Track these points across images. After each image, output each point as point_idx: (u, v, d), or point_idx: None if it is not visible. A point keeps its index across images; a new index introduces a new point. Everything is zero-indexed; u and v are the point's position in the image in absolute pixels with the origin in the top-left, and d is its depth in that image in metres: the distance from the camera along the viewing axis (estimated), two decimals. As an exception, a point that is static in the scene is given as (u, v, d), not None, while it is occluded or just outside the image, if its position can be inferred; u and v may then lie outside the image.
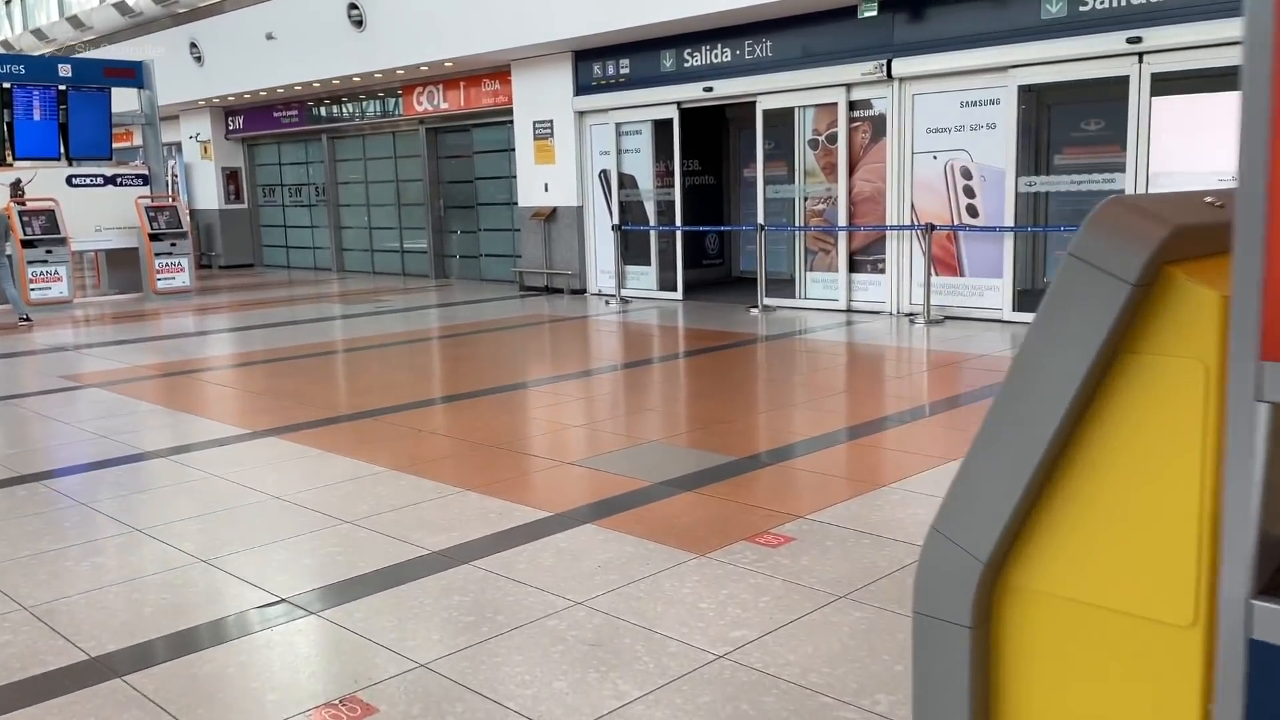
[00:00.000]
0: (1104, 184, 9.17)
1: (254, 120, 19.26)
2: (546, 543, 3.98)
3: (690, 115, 12.59)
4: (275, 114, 18.68)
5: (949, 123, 9.88)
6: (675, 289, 12.68)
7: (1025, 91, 9.40)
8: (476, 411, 6.50)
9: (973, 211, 9.83)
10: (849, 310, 10.88)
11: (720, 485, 4.68)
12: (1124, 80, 8.75)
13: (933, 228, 9.84)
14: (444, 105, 15.58)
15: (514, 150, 14.32)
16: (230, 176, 20.06)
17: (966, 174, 9.83)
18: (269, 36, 16.05)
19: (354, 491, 4.73)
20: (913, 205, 10.26)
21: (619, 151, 13.04)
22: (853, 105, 10.61)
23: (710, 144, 14.97)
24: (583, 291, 13.68)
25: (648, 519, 4.23)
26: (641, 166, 12.90)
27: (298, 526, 4.27)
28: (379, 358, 8.90)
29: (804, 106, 11.07)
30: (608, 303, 12.55)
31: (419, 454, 5.44)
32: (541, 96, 13.59)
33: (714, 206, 15.19)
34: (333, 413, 6.55)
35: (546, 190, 13.79)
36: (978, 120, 9.68)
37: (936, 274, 10.08)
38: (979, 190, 9.77)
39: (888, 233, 10.46)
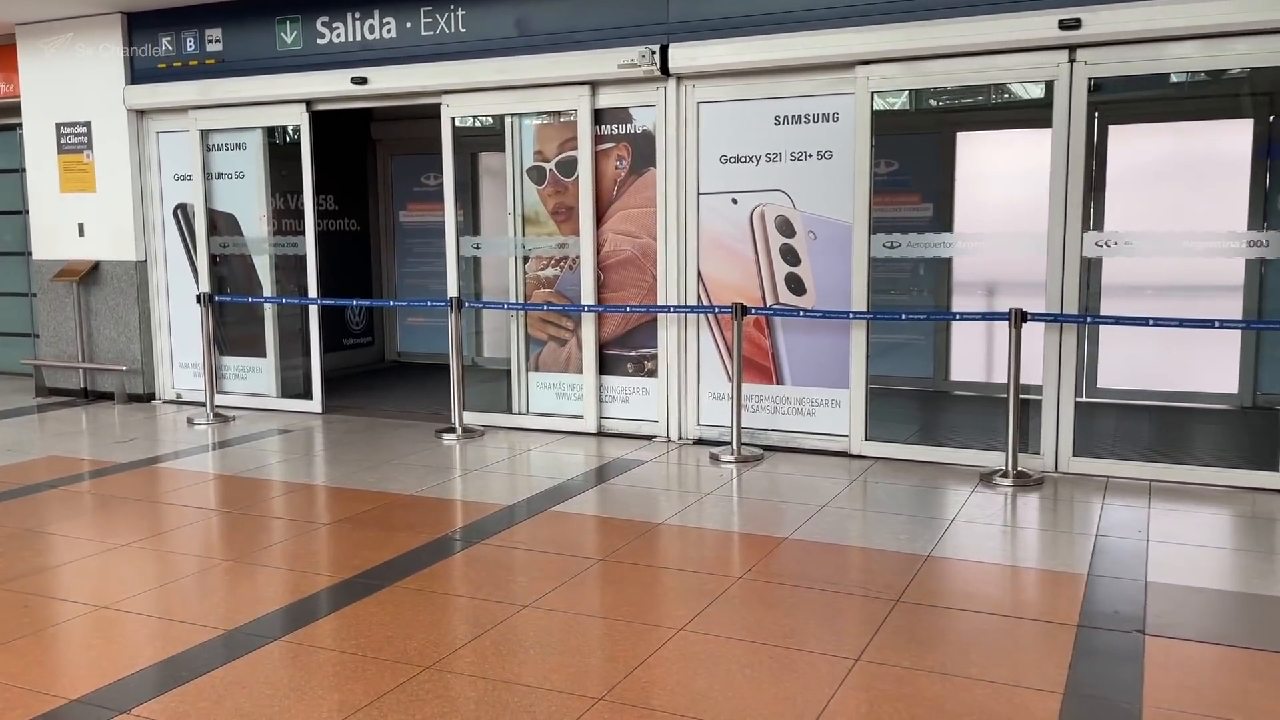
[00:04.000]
0: (1028, 251, 6.06)
1: None
2: None
3: (324, 127, 8.08)
4: None
5: (758, 148, 6.37)
6: (309, 395, 8.01)
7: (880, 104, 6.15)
8: None
9: (796, 286, 6.36)
10: (601, 434, 6.96)
11: None
12: (1045, 91, 5.74)
13: (744, 311, 6.22)
14: (-98, 94, 9.63)
15: (24, 170, 8.85)
16: None
17: (786, 228, 6.36)
18: None
19: None
20: (699, 274, 6.61)
21: (208, 176, 8.17)
22: (602, 116, 6.78)
23: (350, 172, 10.49)
24: (150, 398, 8.52)
25: None
26: (247, 201, 8.13)
27: None
28: None
29: (521, 115, 7.06)
30: (192, 423, 7.59)
31: None
32: (71, 85, 8.36)
33: (359, 264, 10.68)
34: None
35: (82, 234, 8.51)
36: (804, 145, 6.25)
37: (730, 380, 6.49)
38: (806, 253, 6.32)
39: (662, 315, 6.71)
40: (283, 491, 5.62)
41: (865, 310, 6.09)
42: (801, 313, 6.16)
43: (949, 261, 8.11)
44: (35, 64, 8.48)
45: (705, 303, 6.59)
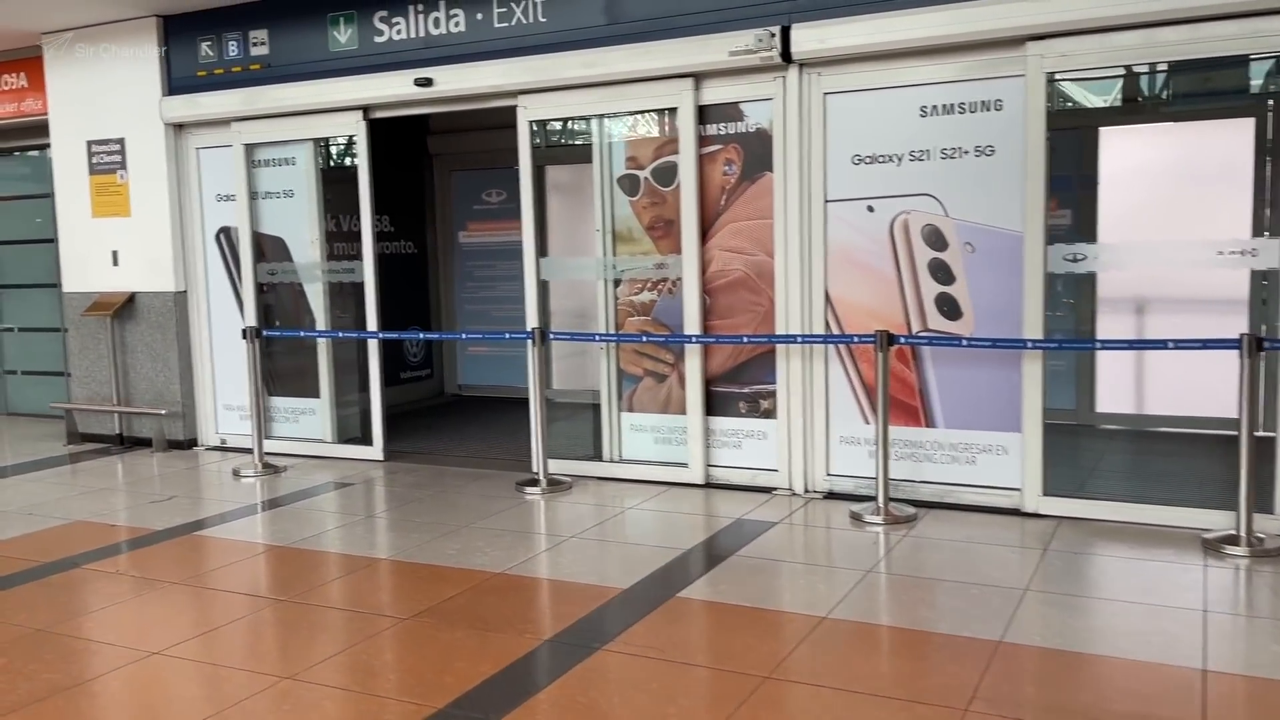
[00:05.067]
0: (1243, 258, 4.94)
1: None
2: None
3: (377, 141, 7.19)
4: None
5: (899, 145, 5.34)
6: (368, 439, 7.08)
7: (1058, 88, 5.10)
8: None
9: (949, 309, 5.32)
10: (709, 485, 5.94)
11: None
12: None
13: (891, 340, 5.18)
14: (-73, 115, 8.90)
15: (54, 195, 8.04)
16: None
17: (936, 239, 5.31)
18: None
19: None
20: (827, 296, 5.58)
21: (254, 196, 7.31)
22: (707, 113, 5.79)
23: (406, 190, 9.63)
24: (191, 444, 7.65)
25: None
26: (297, 223, 7.24)
27: None
28: None
29: (610, 116, 6.10)
30: (239, 475, 6.69)
31: None
32: (103, 99, 7.54)
33: (417, 290, 9.80)
34: None
35: (116, 263, 7.68)
36: (958, 140, 5.21)
37: (866, 421, 5.45)
38: (961, 269, 5.28)
39: (781, 346, 5.69)
40: (347, 570, 4.65)
41: (1044, 338, 5.02)
42: (965, 341, 5.10)
43: (1092, 276, 7.03)
44: (64, 77, 7.68)
45: (834, 329, 5.56)
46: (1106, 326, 7.14)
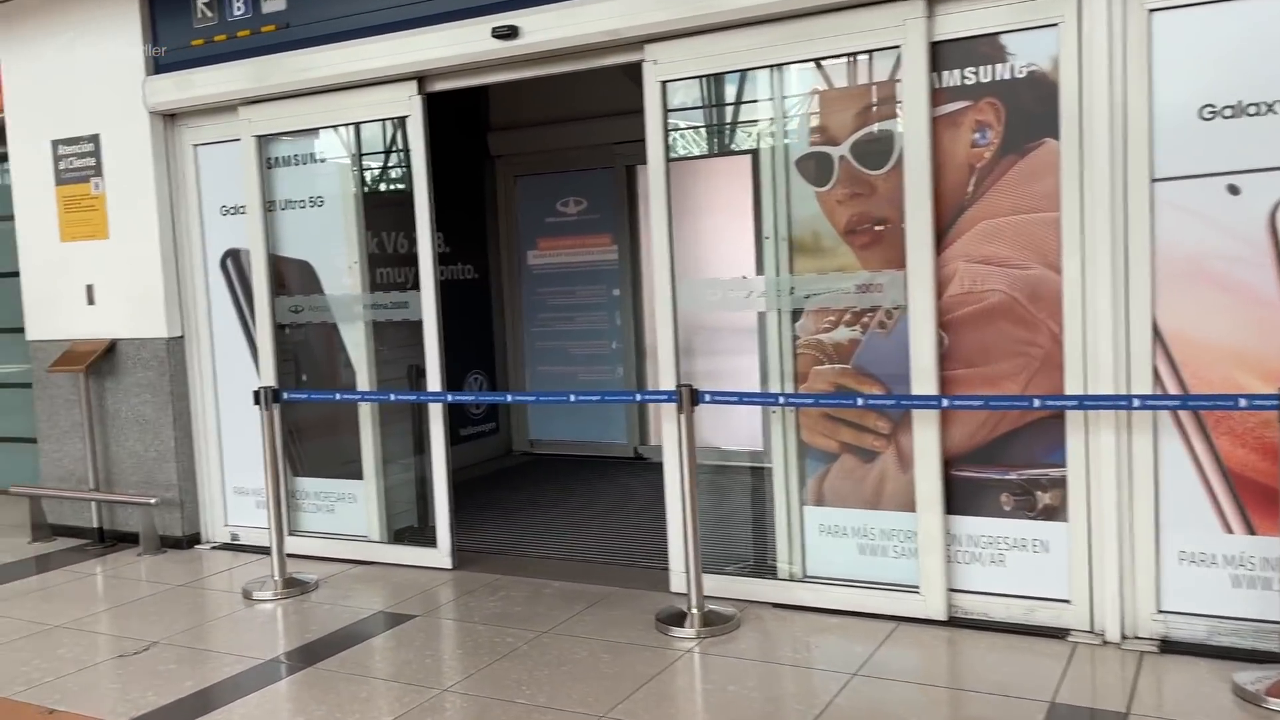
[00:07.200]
0: None
1: None
2: None
3: (430, 133, 5.27)
4: None
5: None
6: (430, 538, 5.10)
7: None
8: None
9: (1374, 346, 3.25)
10: (953, 621, 3.89)
11: None
12: None
13: (1308, 404, 3.12)
14: None
15: (12, 218, 6.17)
16: None
17: (1351, 236, 3.26)
18: None
19: None
20: (1156, 330, 3.53)
21: (271, 208, 5.40)
22: (944, 55, 3.79)
23: (463, 201, 7.73)
24: (193, 542, 5.72)
25: None
26: (328, 242, 5.31)
27: None
28: None
29: (784, 66, 4.10)
30: (250, 597, 4.73)
31: None
32: (70, 83, 5.68)
33: (480, 325, 7.89)
34: None
35: (91, 301, 5.79)
36: (1398, 72, 3.16)
37: (1229, 529, 3.41)
38: (1398, 283, 3.21)
39: (1073, 413, 3.64)
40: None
41: None
42: None
43: None
44: (20, 59, 5.84)
45: (1166, 380, 3.51)
46: None
